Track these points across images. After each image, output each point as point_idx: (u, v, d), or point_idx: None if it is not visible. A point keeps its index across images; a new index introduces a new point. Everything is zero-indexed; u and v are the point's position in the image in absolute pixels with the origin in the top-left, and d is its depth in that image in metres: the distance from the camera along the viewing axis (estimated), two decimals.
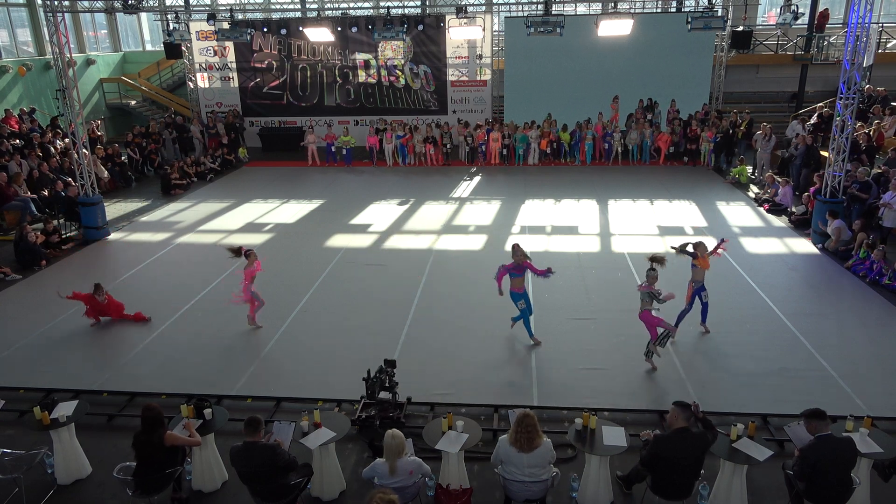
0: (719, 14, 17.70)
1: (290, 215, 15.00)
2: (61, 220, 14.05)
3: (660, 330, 7.83)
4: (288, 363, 8.42)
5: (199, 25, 21.47)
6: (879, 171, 13.38)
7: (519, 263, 8.27)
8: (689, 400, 5.73)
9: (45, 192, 15.11)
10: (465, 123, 20.08)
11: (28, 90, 20.89)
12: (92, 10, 20.38)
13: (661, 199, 15.54)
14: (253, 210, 15.45)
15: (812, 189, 13.38)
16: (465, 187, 17.21)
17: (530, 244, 12.53)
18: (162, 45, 21.54)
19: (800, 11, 17.28)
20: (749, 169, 17.36)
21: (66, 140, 16.38)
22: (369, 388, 6.84)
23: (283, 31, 21.11)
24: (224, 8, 20.65)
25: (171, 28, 19.86)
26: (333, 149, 19.73)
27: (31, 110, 18.98)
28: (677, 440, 5.26)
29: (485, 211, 14.99)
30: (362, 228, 13.88)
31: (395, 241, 12.98)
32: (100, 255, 12.75)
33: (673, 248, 8.63)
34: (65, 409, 6.38)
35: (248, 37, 19.11)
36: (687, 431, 5.27)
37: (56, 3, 12.39)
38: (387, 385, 6.92)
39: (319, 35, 19.60)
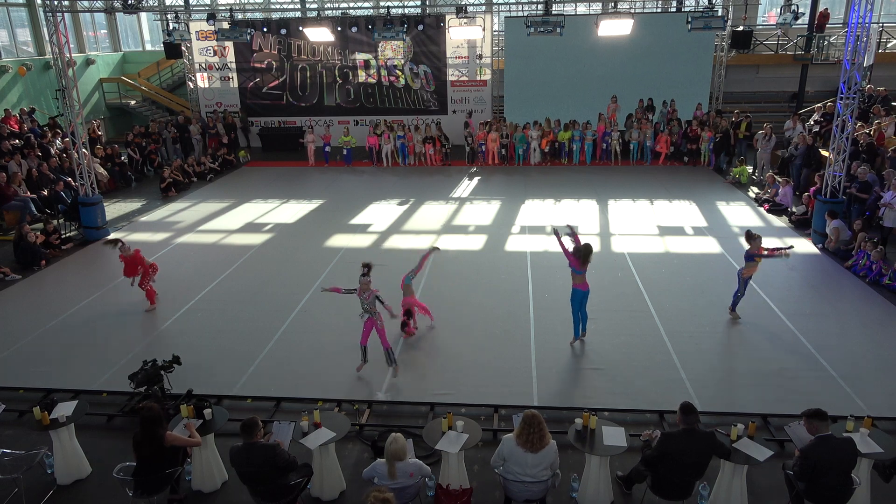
0: (719, 14, 17.68)
1: (290, 215, 14.99)
2: (61, 220, 14.05)
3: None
4: (288, 363, 8.42)
5: (198, 25, 21.47)
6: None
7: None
8: (690, 400, 5.73)
9: (45, 192, 15.12)
10: (468, 121, 20.09)
11: (28, 90, 20.88)
12: (92, 10, 20.37)
13: (661, 199, 15.53)
14: (253, 210, 15.45)
15: (812, 189, 13.38)
16: (465, 187, 17.20)
17: (530, 244, 12.55)
18: (162, 45, 21.54)
19: (800, 11, 17.25)
20: (749, 169, 17.36)
21: (66, 140, 16.36)
22: (131, 378, 7.00)
23: (283, 31, 21.12)
24: (224, 8, 20.63)
25: (171, 28, 19.86)
26: (328, 149, 19.69)
27: (30, 110, 18.95)
28: (683, 438, 5.28)
29: (485, 211, 14.98)
30: (362, 228, 13.88)
31: (395, 241, 12.97)
32: (100, 255, 12.74)
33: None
34: (65, 409, 6.38)
35: (248, 37, 19.11)
36: (693, 430, 5.30)
37: (56, 3, 12.39)
38: (154, 378, 7.06)
39: (319, 35, 19.60)
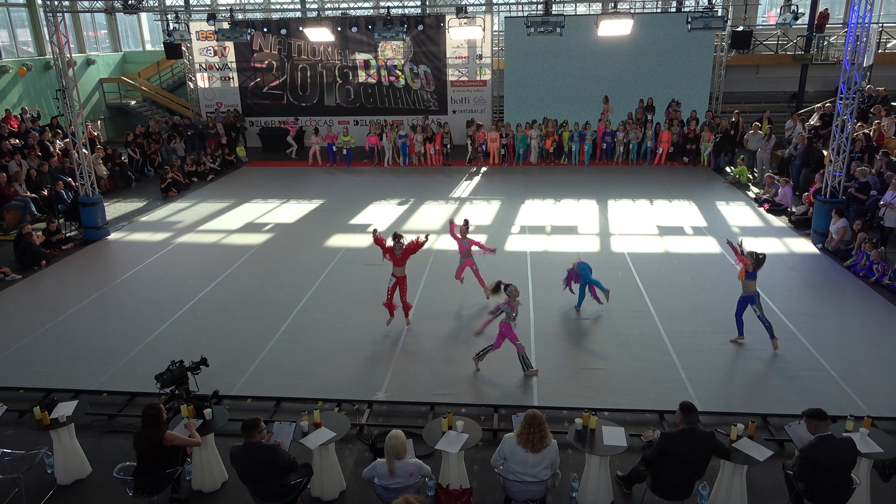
0: (719, 14, 17.70)
1: (290, 215, 14.99)
2: (61, 220, 14.05)
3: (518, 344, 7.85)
4: (288, 363, 8.42)
5: (199, 25, 21.48)
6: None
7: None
8: (690, 400, 5.73)
9: (45, 192, 15.12)
10: (469, 121, 20.10)
11: (28, 90, 20.88)
12: (92, 10, 20.38)
13: (661, 199, 15.53)
14: (253, 210, 15.45)
15: (812, 189, 13.38)
16: (465, 187, 17.20)
17: (530, 244, 12.55)
18: (162, 45, 21.56)
19: (800, 11, 17.25)
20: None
21: (66, 140, 16.36)
22: (157, 378, 6.83)
23: (283, 31, 21.13)
24: (224, 8, 20.65)
25: (171, 28, 19.86)
26: (335, 148, 19.74)
27: (37, 115, 18.85)
28: (683, 437, 5.28)
29: (485, 211, 14.98)
30: (362, 228, 13.87)
31: None
32: (100, 255, 12.75)
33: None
34: (65, 409, 6.37)
35: (248, 37, 19.12)
36: (693, 430, 5.30)
37: (56, 3, 12.39)
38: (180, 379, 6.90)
39: (319, 35, 19.60)
